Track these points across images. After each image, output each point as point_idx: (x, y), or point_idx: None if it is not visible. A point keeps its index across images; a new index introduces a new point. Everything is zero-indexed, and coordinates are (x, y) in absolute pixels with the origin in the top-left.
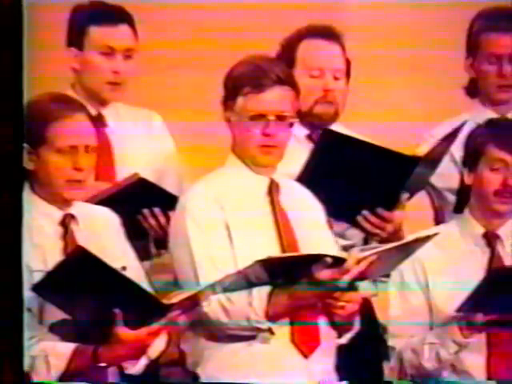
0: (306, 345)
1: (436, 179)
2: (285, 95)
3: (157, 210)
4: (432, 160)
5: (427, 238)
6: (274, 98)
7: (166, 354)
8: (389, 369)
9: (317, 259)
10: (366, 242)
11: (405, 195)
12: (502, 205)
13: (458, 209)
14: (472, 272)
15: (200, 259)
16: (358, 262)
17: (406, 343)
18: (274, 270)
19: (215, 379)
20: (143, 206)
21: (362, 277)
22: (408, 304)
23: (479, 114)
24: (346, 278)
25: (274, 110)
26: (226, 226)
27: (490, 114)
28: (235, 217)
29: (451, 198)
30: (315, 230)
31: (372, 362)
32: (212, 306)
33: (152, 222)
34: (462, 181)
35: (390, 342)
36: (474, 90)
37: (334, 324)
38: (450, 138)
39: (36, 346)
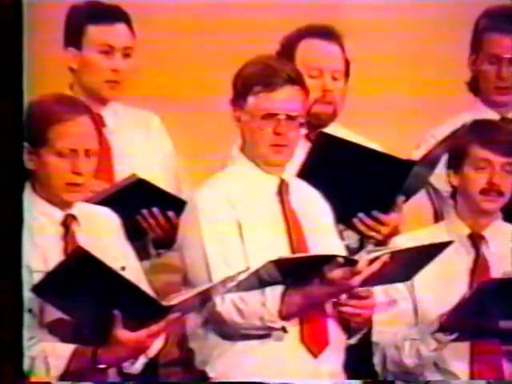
0: (315, 345)
1: (436, 180)
2: (295, 95)
3: (155, 210)
4: (430, 162)
5: (444, 245)
6: (284, 97)
7: (165, 354)
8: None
9: (328, 260)
10: (361, 243)
11: (401, 198)
12: (489, 203)
13: None
14: (457, 273)
15: (214, 258)
16: (370, 263)
17: (390, 339)
18: (287, 269)
19: (224, 378)
20: (142, 206)
21: (375, 281)
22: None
23: (480, 114)
24: (358, 279)
25: (285, 110)
26: (238, 224)
27: (490, 114)
28: (246, 216)
29: (450, 199)
30: (324, 231)
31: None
32: (225, 306)
33: (151, 222)
34: None
35: (374, 338)
36: (476, 87)
37: (347, 328)
38: (449, 139)
39: (36, 346)
